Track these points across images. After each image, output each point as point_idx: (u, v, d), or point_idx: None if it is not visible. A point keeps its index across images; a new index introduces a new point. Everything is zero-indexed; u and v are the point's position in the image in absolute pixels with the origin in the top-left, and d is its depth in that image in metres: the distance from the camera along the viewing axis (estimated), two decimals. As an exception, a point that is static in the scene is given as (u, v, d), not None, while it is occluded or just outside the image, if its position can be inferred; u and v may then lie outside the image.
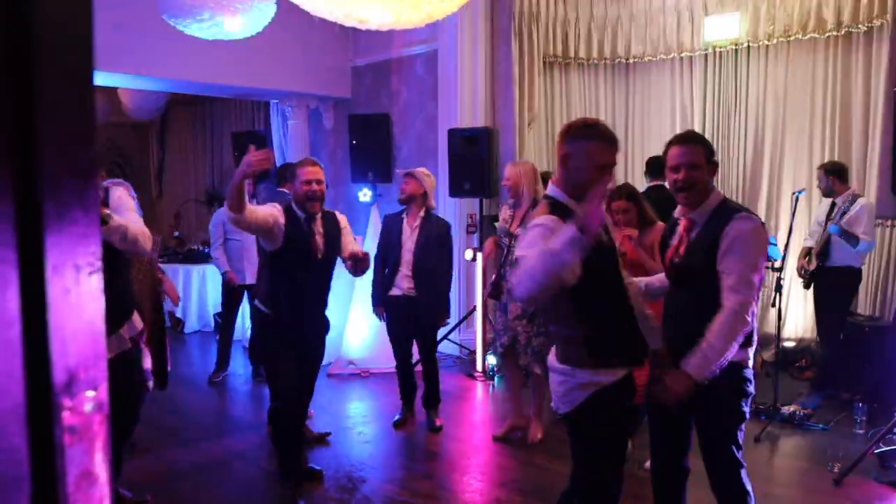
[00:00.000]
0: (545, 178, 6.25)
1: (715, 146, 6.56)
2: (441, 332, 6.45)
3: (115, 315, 3.14)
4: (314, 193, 3.54)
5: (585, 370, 2.28)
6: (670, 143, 2.62)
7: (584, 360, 2.29)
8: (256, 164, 3.16)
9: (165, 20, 4.43)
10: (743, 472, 2.55)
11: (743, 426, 2.58)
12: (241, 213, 3.23)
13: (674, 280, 2.68)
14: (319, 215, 3.62)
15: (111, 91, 9.35)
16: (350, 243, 3.71)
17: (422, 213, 4.59)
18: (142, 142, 11.73)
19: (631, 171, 7.17)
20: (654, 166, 5.76)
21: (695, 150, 2.54)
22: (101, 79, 6.73)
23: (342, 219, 3.77)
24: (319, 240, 3.57)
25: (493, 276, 4.60)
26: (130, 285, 3.37)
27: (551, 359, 2.43)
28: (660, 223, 3.95)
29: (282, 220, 3.47)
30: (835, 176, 5.19)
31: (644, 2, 6.83)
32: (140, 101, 9.75)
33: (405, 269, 4.61)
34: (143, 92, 9.21)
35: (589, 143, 2.23)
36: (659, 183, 5.72)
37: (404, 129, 7.51)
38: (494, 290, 4.49)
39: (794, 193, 5.10)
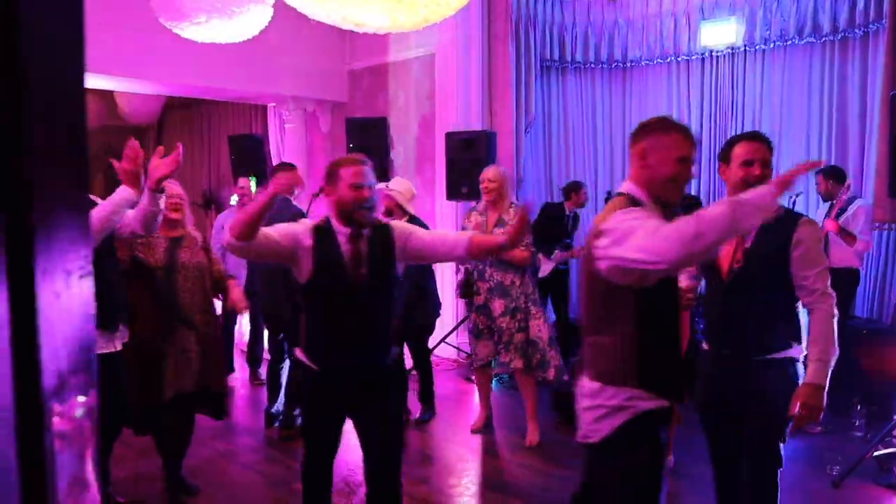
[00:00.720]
0: (575, 188, 6.33)
1: (712, 151, 6.62)
2: (438, 336, 6.46)
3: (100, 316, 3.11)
4: (365, 201, 2.66)
5: (625, 389, 2.06)
6: (737, 140, 2.66)
7: (627, 377, 2.06)
8: (281, 189, 2.90)
9: (162, 23, 4.42)
10: (779, 472, 2.62)
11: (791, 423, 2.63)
12: (251, 240, 2.54)
13: (731, 286, 2.66)
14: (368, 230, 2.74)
15: (107, 94, 9.33)
16: (424, 237, 2.83)
17: (405, 220, 4.68)
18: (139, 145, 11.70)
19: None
20: None
21: (764, 148, 2.59)
22: (97, 82, 6.73)
23: (398, 226, 2.86)
24: (363, 261, 2.69)
25: (461, 275, 4.70)
26: (119, 290, 3.30)
27: (583, 381, 2.19)
28: None
29: (308, 241, 2.66)
30: (833, 179, 5.23)
31: (641, 6, 6.84)
32: (137, 105, 9.74)
33: None
34: (139, 95, 9.20)
35: (668, 135, 2.15)
36: None
37: (401, 132, 7.50)
38: (466, 289, 4.60)
39: (790, 196, 5.10)
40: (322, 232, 2.69)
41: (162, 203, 3.03)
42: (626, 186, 2.19)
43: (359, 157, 2.78)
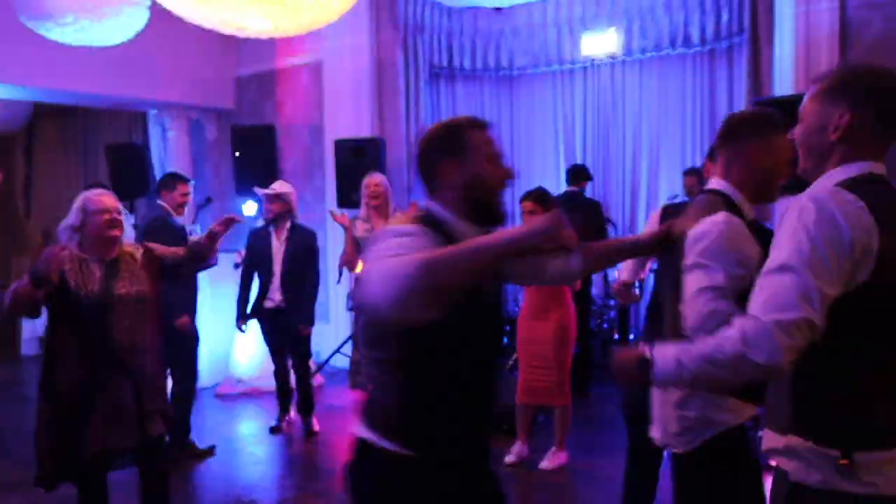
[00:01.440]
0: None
1: (596, 156, 6.88)
2: (333, 346, 6.37)
3: None
4: (510, 179, 1.83)
5: (714, 397, 1.89)
6: None
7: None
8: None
9: (24, 23, 4.14)
10: None
11: None
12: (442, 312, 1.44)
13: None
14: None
15: (-33, 101, 8.64)
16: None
17: (288, 226, 4.72)
18: (4, 156, 10.90)
19: (517, 181, 7.32)
20: (571, 173, 6.05)
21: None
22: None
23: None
24: (494, 281, 1.83)
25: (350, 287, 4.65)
26: None
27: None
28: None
29: None
30: (699, 179, 5.63)
31: (525, 16, 7.01)
32: (0, 112, 9.08)
33: (276, 282, 4.75)
34: (2, 101, 8.57)
35: (780, 134, 1.91)
36: (574, 189, 5.98)
37: (290, 140, 7.37)
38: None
39: (668, 198, 5.39)
40: (446, 235, 1.63)
41: None
42: (720, 184, 1.95)
43: (483, 119, 1.82)
